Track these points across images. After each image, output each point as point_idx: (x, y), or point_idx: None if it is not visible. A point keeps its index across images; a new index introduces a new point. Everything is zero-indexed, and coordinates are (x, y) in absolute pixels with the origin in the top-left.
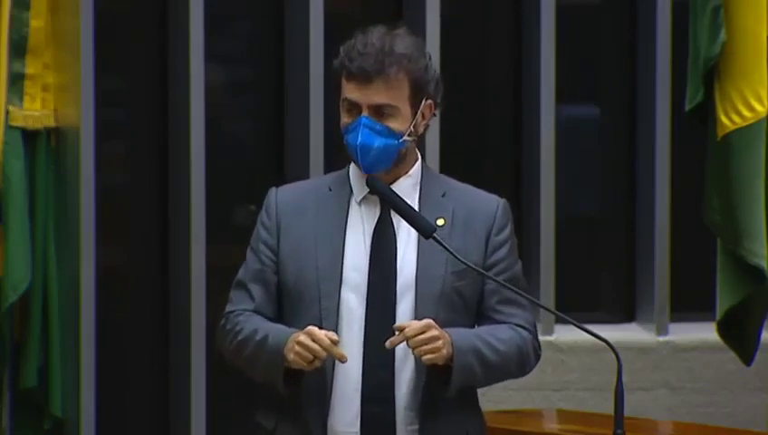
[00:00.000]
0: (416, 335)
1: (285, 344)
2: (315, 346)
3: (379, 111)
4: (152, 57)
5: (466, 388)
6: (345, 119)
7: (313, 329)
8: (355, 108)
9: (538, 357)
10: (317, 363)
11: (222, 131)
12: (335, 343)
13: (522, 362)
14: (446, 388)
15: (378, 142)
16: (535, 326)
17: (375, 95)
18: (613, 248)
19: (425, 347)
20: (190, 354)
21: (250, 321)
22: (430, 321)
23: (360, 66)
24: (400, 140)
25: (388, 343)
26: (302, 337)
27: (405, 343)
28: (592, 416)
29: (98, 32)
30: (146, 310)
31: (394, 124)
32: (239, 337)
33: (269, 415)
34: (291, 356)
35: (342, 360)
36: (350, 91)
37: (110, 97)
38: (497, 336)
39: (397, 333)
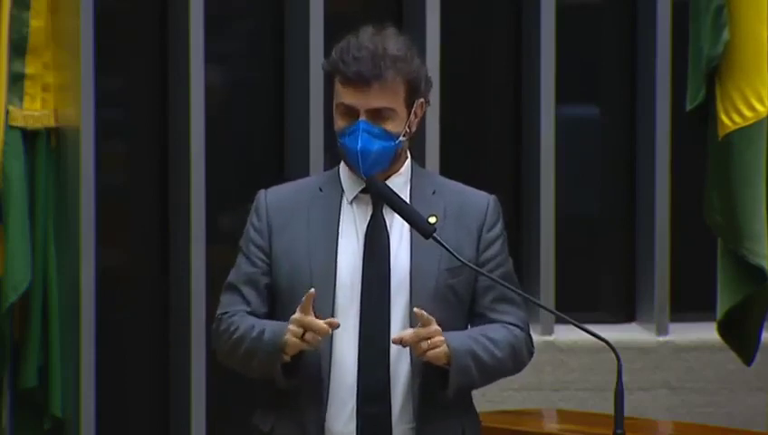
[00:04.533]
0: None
1: (284, 334)
2: (308, 319)
3: (376, 115)
4: (152, 57)
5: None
6: (341, 123)
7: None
8: (352, 112)
9: (531, 354)
10: (308, 337)
11: (222, 131)
12: (333, 326)
13: (515, 360)
14: (443, 392)
15: (376, 146)
16: (528, 324)
17: (373, 99)
18: (613, 248)
19: (428, 342)
20: (190, 354)
21: (245, 320)
22: (430, 317)
23: (357, 71)
24: (397, 141)
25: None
26: (296, 315)
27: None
28: (592, 416)
29: (98, 32)
30: (146, 310)
31: (390, 126)
32: (235, 335)
33: (266, 417)
34: (287, 337)
35: (334, 326)
36: (347, 96)
37: (110, 97)
38: (490, 337)
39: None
